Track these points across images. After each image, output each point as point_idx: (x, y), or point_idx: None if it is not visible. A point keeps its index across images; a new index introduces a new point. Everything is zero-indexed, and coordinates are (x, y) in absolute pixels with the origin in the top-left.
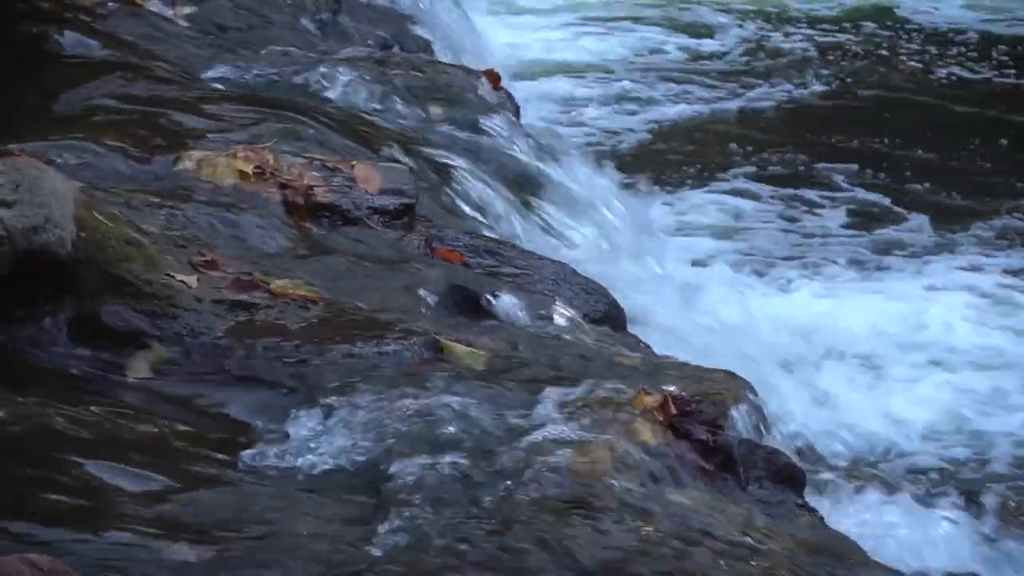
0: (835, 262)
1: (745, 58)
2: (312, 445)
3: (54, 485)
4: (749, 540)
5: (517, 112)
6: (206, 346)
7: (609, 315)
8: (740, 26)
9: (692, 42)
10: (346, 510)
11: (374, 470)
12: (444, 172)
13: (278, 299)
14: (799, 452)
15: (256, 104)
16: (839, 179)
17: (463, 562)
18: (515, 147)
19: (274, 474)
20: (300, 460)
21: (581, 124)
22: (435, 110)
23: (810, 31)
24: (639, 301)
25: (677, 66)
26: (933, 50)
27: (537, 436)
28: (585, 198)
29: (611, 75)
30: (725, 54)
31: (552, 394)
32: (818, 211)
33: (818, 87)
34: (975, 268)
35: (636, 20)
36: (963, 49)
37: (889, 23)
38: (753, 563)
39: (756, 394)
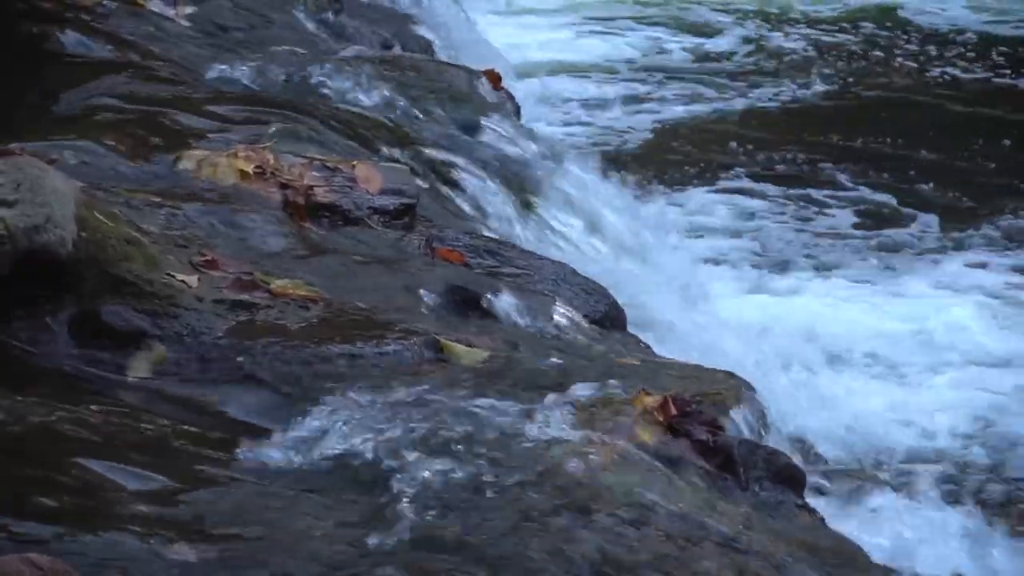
0: (840, 262)
1: (749, 58)
2: (312, 445)
3: (54, 485)
4: (749, 541)
5: (518, 112)
6: (206, 346)
7: (609, 315)
8: (744, 26)
9: (695, 42)
10: (346, 510)
11: (374, 470)
12: (444, 172)
13: (278, 299)
14: (799, 452)
15: (257, 104)
16: (844, 179)
17: (463, 562)
18: (515, 147)
19: (274, 474)
20: (300, 460)
21: (582, 124)
22: (435, 110)
23: (813, 32)
24: (640, 301)
25: (680, 66)
26: (936, 51)
27: (537, 436)
28: (585, 198)
29: (613, 75)
30: (729, 54)
31: (552, 394)
32: (823, 211)
33: (822, 87)
34: (982, 268)
35: (638, 20)
36: (966, 50)
37: (893, 24)
38: (753, 564)
39: (757, 394)
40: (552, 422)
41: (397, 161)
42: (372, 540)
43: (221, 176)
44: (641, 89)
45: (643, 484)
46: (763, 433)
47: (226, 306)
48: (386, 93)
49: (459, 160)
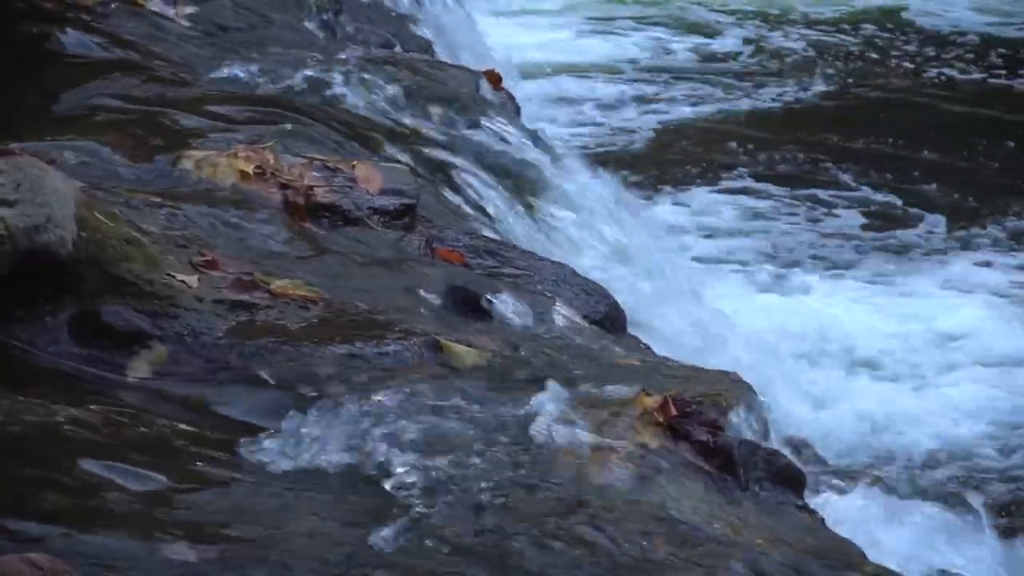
0: (847, 261)
1: (752, 59)
2: (312, 445)
3: (54, 485)
4: (749, 541)
5: (518, 112)
6: (206, 346)
7: (609, 316)
8: (746, 27)
9: (698, 43)
10: (346, 510)
11: (374, 470)
12: (445, 172)
13: (278, 299)
14: (799, 453)
15: (257, 104)
16: (848, 179)
17: (463, 562)
18: (516, 148)
19: (274, 474)
20: (300, 460)
21: (583, 124)
22: (436, 110)
23: (817, 33)
24: (640, 301)
25: (683, 67)
26: (940, 53)
27: (537, 437)
28: (586, 198)
29: (615, 76)
30: (731, 55)
31: (552, 395)
32: (828, 211)
33: (825, 88)
34: (989, 268)
35: (639, 20)
36: (969, 52)
37: (895, 26)
38: (753, 564)
39: (757, 395)
40: (552, 423)
41: (397, 161)
42: (372, 540)
43: (221, 176)
44: (643, 90)
45: (643, 485)
46: (764, 433)
47: (226, 306)
48: (386, 93)
49: (459, 161)
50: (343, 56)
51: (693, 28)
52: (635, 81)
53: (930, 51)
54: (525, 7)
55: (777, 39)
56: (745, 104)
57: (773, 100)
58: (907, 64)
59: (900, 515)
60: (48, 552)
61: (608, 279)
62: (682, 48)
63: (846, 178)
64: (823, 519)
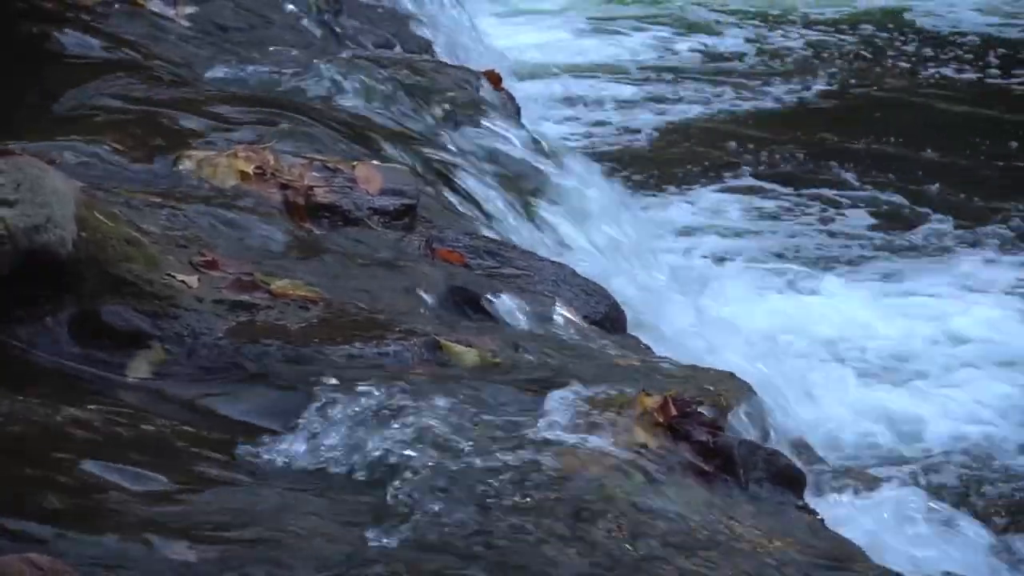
0: (854, 261)
1: (754, 59)
2: (312, 445)
3: (54, 485)
4: (749, 542)
5: (518, 113)
6: (207, 346)
7: (609, 316)
8: (749, 27)
9: (701, 43)
10: (346, 510)
11: (374, 470)
12: (445, 173)
13: (278, 299)
14: (800, 453)
15: (257, 104)
16: (851, 179)
17: (463, 563)
18: (516, 148)
19: (274, 474)
20: (300, 460)
21: (584, 125)
22: (436, 110)
23: (820, 33)
24: (641, 302)
25: (685, 67)
26: (943, 53)
27: (537, 437)
28: (586, 199)
29: (616, 75)
30: (734, 55)
31: (552, 395)
32: (833, 210)
33: (828, 88)
34: (997, 268)
35: (641, 20)
36: (972, 52)
37: (898, 26)
38: (753, 564)
39: (757, 395)
40: (552, 423)
41: (397, 162)
42: (372, 540)
43: (221, 176)
44: (644, 90)
45: (643, 485)
46: (764, 434)
47: (226, 306)
48: (386, 93)
49: (459, 161)
50: (343, 56)
51: (695, 28)
52: (636, 81)
53: (933, 52)
54: (526, 7)
55: (778, 39)
56: (748, 104)
57: (776, 100)
58: (909, 64)
59: (901, 515)
60: (48, 552)
61: (609, 279)
62: (684, 48)
63: (850, 178)
64: (823, 519)
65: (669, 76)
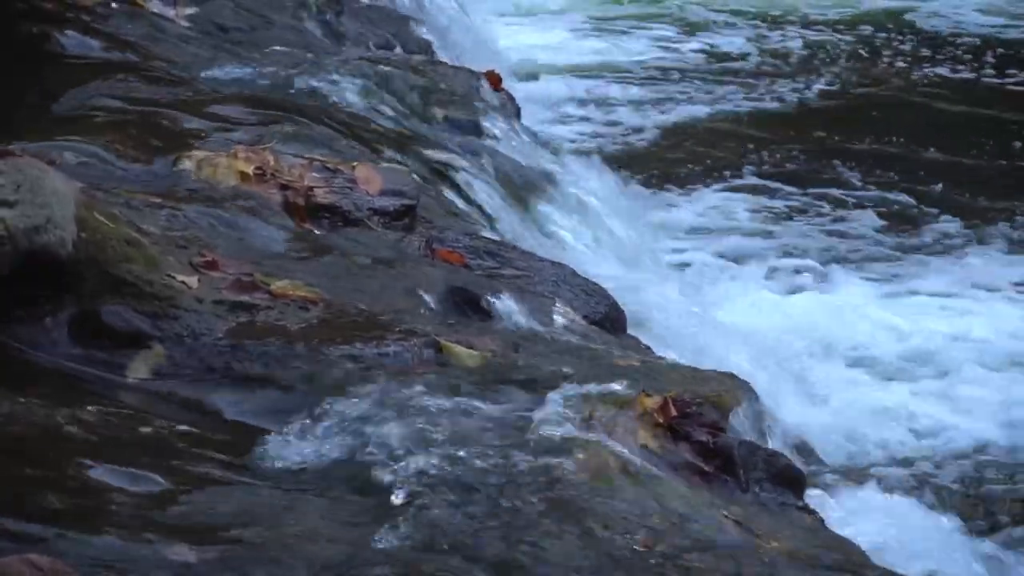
0: (856, 260)
1: (757, 60)
2: (312, 445)
3: (54, 485)
4: (749, 542)
5: (518, 113)
6: (206, 347)
7: (609, 316)
8: (750, 27)
9: (702, 43)
10: (346, 510)
11: (374, 471)
12: (444, 173)
13: (278, 300)
14: (800, 453)
15: (257, 105)
16: (855, 178)
17: (463, 562)
18: (515, 148)
19: (274, 474)
20: (300, 460)
21: (584, 125)
22: (436, 111)
23: (822, 34)
24: (642, 302)
25: (687, 67)
26: (945, 54)
27: (537, 437)
28: (586, 199)
29: (617, 75)
30: (736, 55)
31: (552, 396)
32: (837, 210)
33: (830, 88)
34: (1001, 267)
35: (642, 19)
36: (975, 53)
37: (900, 27)
38: (753, 565)
39: (757, 396)
40: (552, 424)
41: (397, 162)
42: (372, 540)
43: (221, 177)
44: (646, 90)
45: (643, 486)
46: (764, 434)
47: (226, 307)
48: (386, 94)
49: (459, 161)
50: (343, 57)
51: (695, 28)
52: (638, 81)
53: (935, 52)
54: (526, 7)
55: (780, 39)
56: (750, 104)
57: (778, 100)
58: (912, 64)
59: (901, 515)
60: (48, 552)
61: (609, 279)
62: (686, 48)
63: (854, 178)
64: (823, 519)
65: (671, 76)
